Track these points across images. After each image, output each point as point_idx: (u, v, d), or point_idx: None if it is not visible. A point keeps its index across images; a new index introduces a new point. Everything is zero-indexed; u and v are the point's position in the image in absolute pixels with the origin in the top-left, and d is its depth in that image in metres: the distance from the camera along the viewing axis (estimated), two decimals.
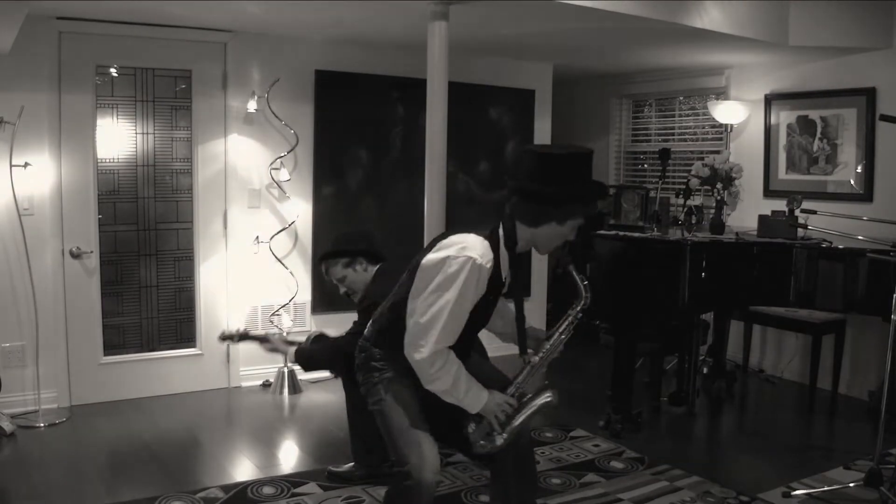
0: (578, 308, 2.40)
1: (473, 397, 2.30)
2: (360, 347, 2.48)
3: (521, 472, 2.65)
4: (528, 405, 2.38)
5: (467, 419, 2.37)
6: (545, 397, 2.39)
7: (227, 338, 3.75)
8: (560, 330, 2.41)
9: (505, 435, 2.36)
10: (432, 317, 2.20)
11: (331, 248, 3.58)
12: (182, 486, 3.35)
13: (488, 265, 2.20)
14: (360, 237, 3.60)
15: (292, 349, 3.56)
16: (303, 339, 3.75)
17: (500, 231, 2.28)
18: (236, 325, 4.07)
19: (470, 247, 2.21)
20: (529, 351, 2.41)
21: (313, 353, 3.49)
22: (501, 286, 2.35)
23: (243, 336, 3.72)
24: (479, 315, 2.33)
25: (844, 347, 4.62)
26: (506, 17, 4.17)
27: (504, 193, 2.44)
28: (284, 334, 4.23)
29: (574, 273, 2.39)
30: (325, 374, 5.12)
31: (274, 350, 3.63)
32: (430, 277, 2.23)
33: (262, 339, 3.68)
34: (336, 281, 3.57)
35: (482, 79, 5.49)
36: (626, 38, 4.67)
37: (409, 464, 2.31)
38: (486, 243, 2.23)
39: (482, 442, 2.38)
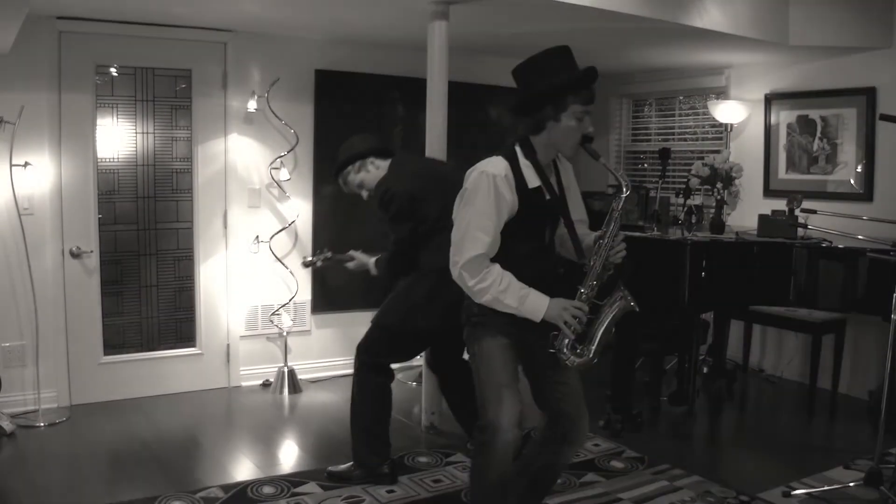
0: (623, 197, 2.41)
1: (532, 304, 2.31)
2: (463, 307, 2.50)
3: (536, 480, 2.65)
4: (605, 312, 2.38)
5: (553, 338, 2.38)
6: (618, 300, 2.38)
7: (310, 264, 3.81)
8: (609, 226, 2.39)
9: (593, 347, 2.36)
10: (461, 232, 2.34)
11: (338, 161, 3.54)
12: (182, 486, 3.34)
13: (502, 173, 2.32)
14: (361, 140, 3.55)
15: (372, 260, 3.64)
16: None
17: (517, 147, 2.39)
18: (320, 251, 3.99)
19: (483, 164, 2.37)
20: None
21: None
22: (538, 196, 2.38)
23: (328, 259, 3.80)
24: (528, 229, 2.39)
25: (844, 347, 4.61)
26: (506, 17, 4.16)
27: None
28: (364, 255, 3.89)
29: (606, 165, 2.48)
30: (326, 373, 5.15)
31: (360, 266, 3.70)
32: (458, 205, 2.39)
33: (348, 259, 3.74)
34: (356, 189, 3.55)
35: (482, 79, 5.49)
36: (626, 38, 4.67)
37: (485, 419, 2.35)
38: (500, 158, 2.36)
39: (571, 357, 2.35)
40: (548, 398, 2.55)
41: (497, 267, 2.32)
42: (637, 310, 2.41)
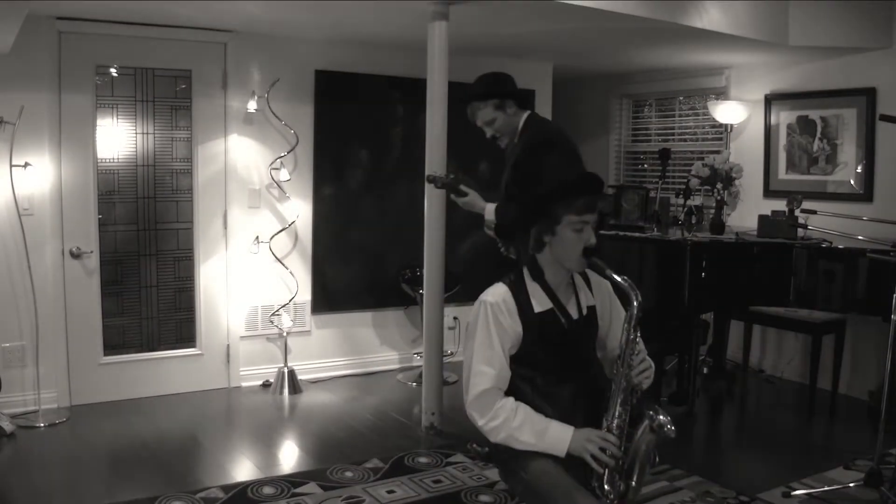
0: (635, 306, 2.15)
1: (553, 437, 2.09)
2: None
3: None
4: (635, 443, 2.12)
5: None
6: (646, 431, 2.08)
7: (432, 180, 3.52)
8: (623, 345, 2.18)
9: (632, 483, 2.09)
10: (466, 369, 2.18)
11: (478, 87, 3.36)
12: (182, 486, 3.34)
13: (500, 300, 2.16)
14: (506, 79, 3.38)
15: (490, 206, 3.37)
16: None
17: (524, 269, 2.25)
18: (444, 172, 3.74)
19: (484, 293, 2.21)
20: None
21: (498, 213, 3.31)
22: (549, 320, 2.20)
23: (447, 185, 3.46)
24: (545, 357, 2.19)
25: (844, 347, 4.61)
26: (506, 17, 4.17)
27: None
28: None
29: (613, 276, 2.19)
30: (326, 374, 5.15)
31: (471, 206, 3.42)
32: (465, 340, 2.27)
33: (462, 194, 3.43)
34: (483, 124, 3.38)
35: None
36: (626, 38, 4.67)
37: None
38: (501, 283, 2.21)
39: (610, 495, 2.07)
40: None
41: (510, 401, 2.13)
42: (672, 436, 2.09)
